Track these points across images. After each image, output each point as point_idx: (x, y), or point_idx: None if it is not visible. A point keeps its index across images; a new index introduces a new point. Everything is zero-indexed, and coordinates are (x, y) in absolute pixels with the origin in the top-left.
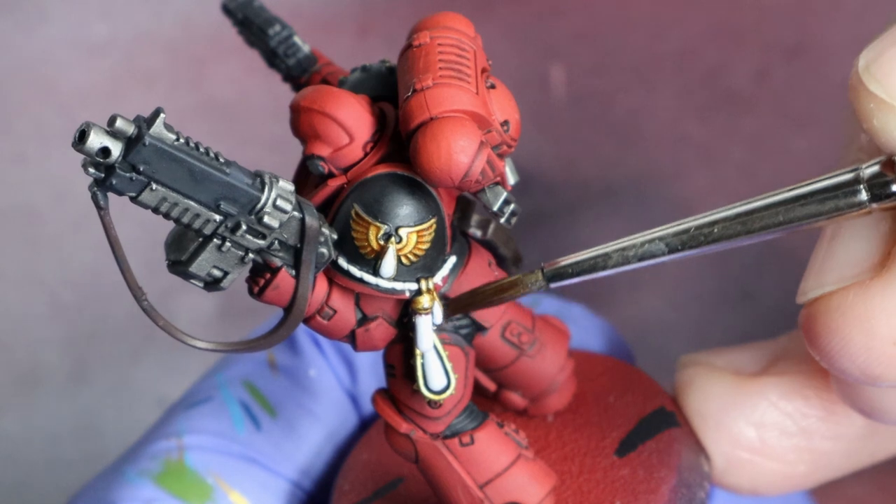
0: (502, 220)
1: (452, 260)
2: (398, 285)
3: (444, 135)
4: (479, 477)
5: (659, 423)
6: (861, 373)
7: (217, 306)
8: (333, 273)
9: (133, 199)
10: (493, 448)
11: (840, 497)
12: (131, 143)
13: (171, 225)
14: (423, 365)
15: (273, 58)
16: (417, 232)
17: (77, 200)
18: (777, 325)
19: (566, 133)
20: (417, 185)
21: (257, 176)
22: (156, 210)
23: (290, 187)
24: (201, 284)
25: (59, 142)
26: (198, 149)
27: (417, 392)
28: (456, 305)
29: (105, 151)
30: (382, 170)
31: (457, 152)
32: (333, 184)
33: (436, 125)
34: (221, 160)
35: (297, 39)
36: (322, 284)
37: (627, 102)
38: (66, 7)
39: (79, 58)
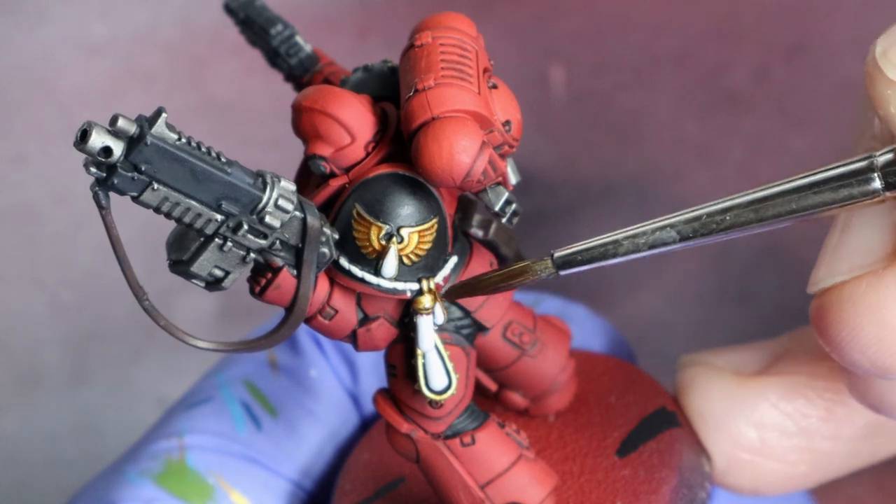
0: (504, 220)
1: (454, 260)
2: (399, 285)
3: (445, 135)
4: (480, 477)
5: (660, 424)
6: (872, 364)
7: (217, 306)
8: (335, 273)
9: (135, 199)
10: (494, 448)
11: (840, 497)
12: (133, 142)
13: (172, 225)
14: (424, 365)
15: (275, 57)
16: (419, 232)
17: (77, 200)
18: (777, 325)
19: (566, 133)
20: (419, 185)
21: (259, 176)
22: (157, 210)
23: (292, 187)
24: (203, 284)
25: (59, 142)
26: (199, 148)
27: (419, 392)
28: (461, 290)
29: (107, 151)
30: (384, 170)
31: (458, 152)
32: (335, 184)
33: (437, 125)
34: (223, 160)
35: (298, 39)
36: (323, 284)
37: (627, 102)
38: (66, 7)
39: (79, 58)
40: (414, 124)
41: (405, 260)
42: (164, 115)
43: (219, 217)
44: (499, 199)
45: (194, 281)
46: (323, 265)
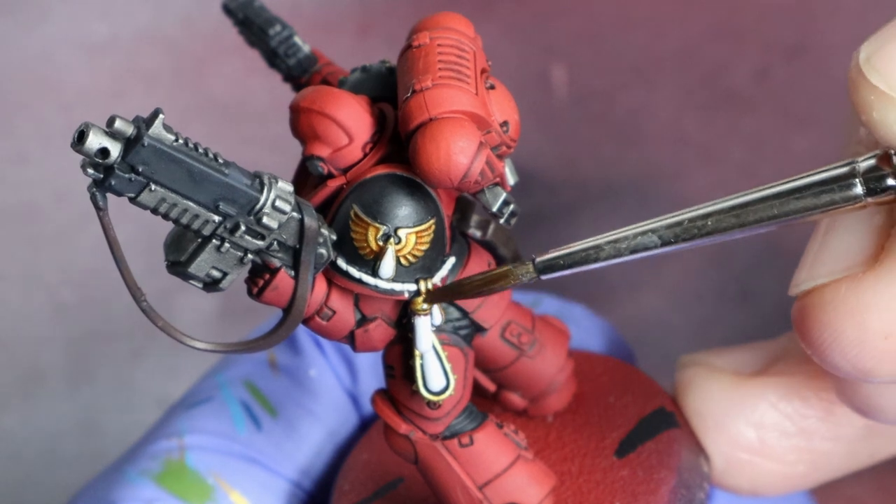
0: (502, 221)
1: (452, 261)
2: (397, 286)
3: (443, 136)
4: (479, 478)
5: (659, 424)
6: (852, 367)
7: (216, 307)
8: (332, 274)
9: (132, 200)
10: (492, 449)
11: (840, 497)
12: (130, 143)
13: (170, 225)
14: (422, 366)
15: (273, 58)
16: (416, 233)
17: (77, 200)
18: (777, 325)
19: (566, 133)
20: (416, 186)
21: (256, 177)
22: (155, 211)
23: (289, 188)
24: (200, 285)
25: (59, 142)
26: (197, 149)
27: (417, 393)
28: (442, 294)
29: (104, 152)
30: (382, 170)
31: (456, 153)
32: (333, 184)
33: (435, 126)
34: (220, 161)
35: (297, 39)
36: (321, 285)
37: (628, 102)
38: (66, 7)
39: (79, 57)
40: (411, 125)
41: (403, 261)
42: (161, 116)
43: (216, 218)
44: (496, 199)
45: (192, 282)
46: (321, 266)
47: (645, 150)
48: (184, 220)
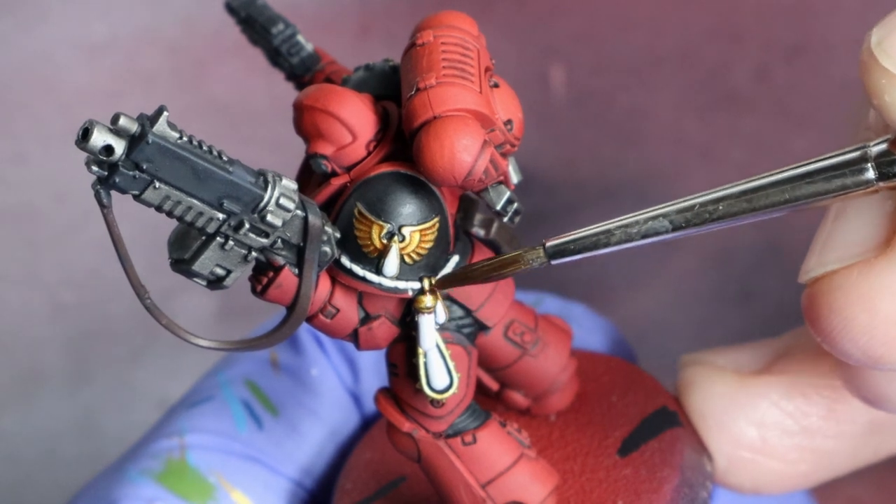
0: (506, 220)
1: (455, 259)
2: (401, 284)
3: (447, 133)
4: (482, 476)
5: (661, 423)
6: (863, 354)
7: (218, 306)
8: (336, 272)
9: (136, 198)
10: (495, 447)
11: (840, 496)
12: (134, 141)
13: (172, 224)
14: (425, 364)
15: (276, 56)
16: (420, 231)
17: (77, 200)
18: (778, 324)
19: (566, 133)
20: (420, 184)
21: (260, 174)
22: (159, 208)
23: (293, 186)
24: (204, 283)
25: (59, 142)
26: (201, 147)
27: (420, 391)
28: (451, 279)
29: (108, 149)
30: (385, 168)
31: (460, 151)
32: (336, 182)
33: (439, 124)
34: (224, 158)
35: (300, 38)
36: (325, 283)
37: (627, 102)
38: (66, 7)
39: (79, 58)
40: (415, 123)
41: (406, 259)
42: (165, 113)
43: (220, 216)
44: (500, 198)
45: (196, 280)
46: (324, 264)
47: (644, 151)
48: (188, 218)
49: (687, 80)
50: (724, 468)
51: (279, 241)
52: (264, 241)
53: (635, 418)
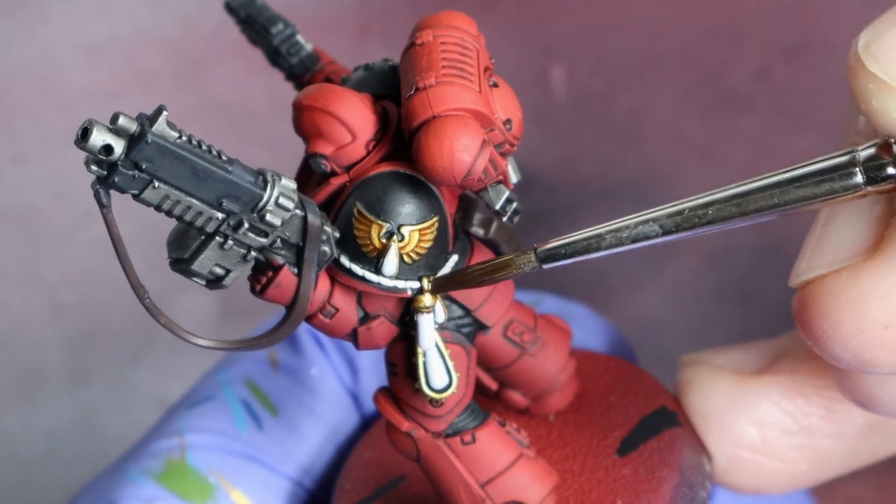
0: (505, 219)
1: (454, 258)
2: (400, 284)
3: (446, 133)
4: (481, 476)
5: (660, 423)
6: (853, 357)
7: (216, 305)
8: (335, 271)
9: (135, 197)
10: (494, 447)
11: (840, 496)
12: (134, 140)
13: (171, 224)
14: (424, 363)
15: (276, 56)
16: (420, 230)
17: (77, 200)
18: (777, 325)
19: (565, 133)
20: (420, 184)
21: (259, 174)
22: (158, 208)
23: (293, 185)
24: (203, 282)
25: (59, 142)
26: (200, 146)
27: (419, 391)
28: (443, 284)
29: (108, 149)
30: (385, 168)
31: (459, 151)
32: (336, 182)
33: (438, 123)
34: (224, 158)
35: (299, 38)
36: (324, 283)
37: (627, 102)
38: (66, 7)
39: (79, 58)
40: (415, 122)
41: (406, 258)
42: (164, 113)
43: (220, 215)
44: (500, 197)
45: (195, 279)
46: (324, 263)
47: (644, 151)
48: (187, 217)
49: (687, 80)
50: (725, 468)
51: (278, 240)
52: (263, 240)
53: (634, 418)
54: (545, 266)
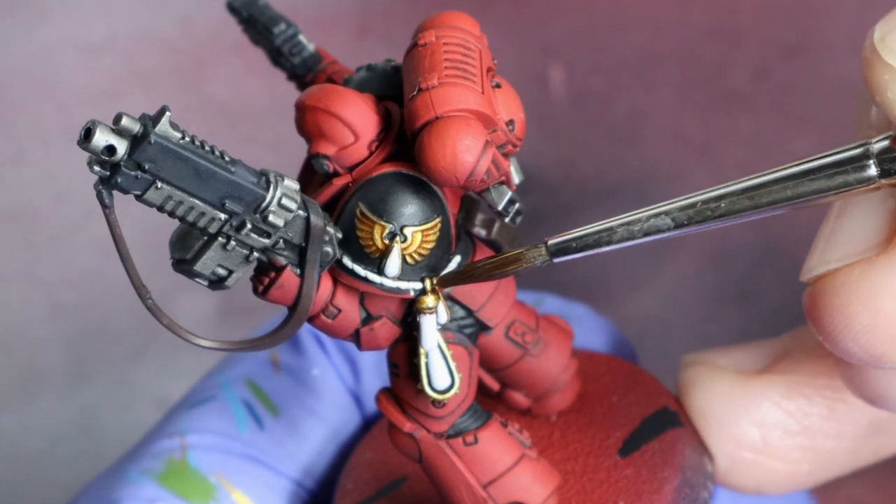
0: (507, 220)
1: (457, 259)
2: (403, 284)
3: (449, 134)
4: (483, 476)
5: (662, 423)
6: (864, 352)
7: (217, 306)
8: (338, 272)
9: (138, 198)
10: (496, 447)
11: (840, 497)
12: (137, 141)
13: (173, 225)
14: (426, 364)
15: (278, 56)
16: (422, 231)
17: (77, 200)
18: (778, 324)
19: (565, 133)
20: (422, 185)
21: (262, 175)
22: (161, 208)
23: (296, 186)
24: (206, 283)
25: (59, 142)
26: (203, 147)
27: (421, 391)
28: (455, 277)
29: (110, 149)
30: (387, 169)
31: (462, 151)
32: (338, 182)
33: (441, 124)
34: (227, 158)
35: (302, 38)
36: (326, 283)
37: (627, 102)
38: (66, 7)
39: (79, 58)
40: (417, 123)
41: (408, 259)
42: (167, 113)
43: (222, 216)
44: (502, 198)
45: (197, 280)
46: (326, 264)
47: (643, 150)
48: (190, 218)
49: (686, 79)
50: (726, 468)
51: (281, 241)
52: (266, 241)
53: (636, 418)
54: (556, 260)
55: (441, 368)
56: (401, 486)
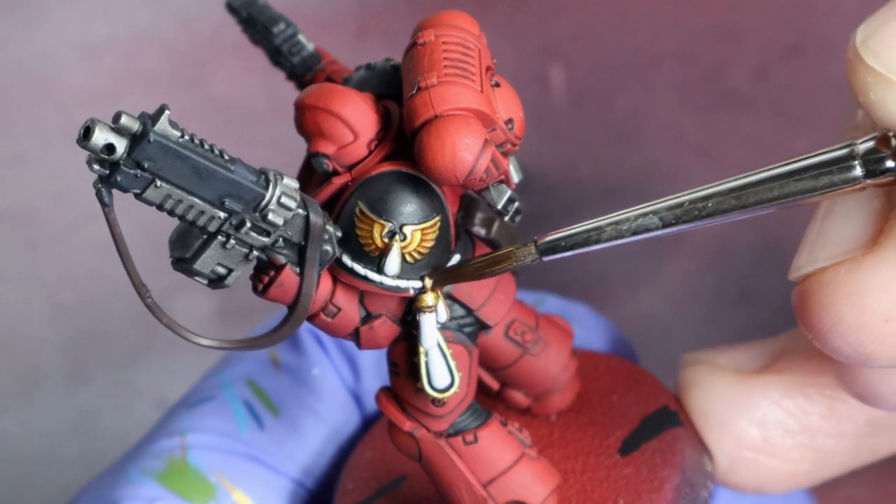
0: (506, 219)
1: (456, 258)
2: (402, 283)
3: (448, 133)
4: (483, 475)
5: (662, 423)
6: (853, 351)
7: (218, 305)
8: (337, 271)
9: (137, 196)
10: (496, 446)
11: (839, 496)
12: (136, 139)
13: (172, 224)
14: (426, 363)
15: (277, 56)
16: (422, 230)
17: (77, 200)
18: (777, 324)
19: (565, 133)
20: (422, 183)
21: (262, 173)
22: (160, 207)
23: (295, 185)
24: (205, 282)
25: (59, 142)
26: (202, 146)
27: (421, 390)
28: (446, 276)
29: (110, 148)
30: (387, 167)
31: (461, 150)
32: (338, 181)
33: (440, 123)
34: (226, 157)
35: (301, 37)
36: (326, 282)
37: (627, 102)
38: (66, 7)
39: (79, 58)
40: (417, 122)
41: (408, 258)
42: (167, 112)
43: (222, 214)
44: (501, 197)
45: (197, 278)
46: (326, 263)
47: (643, 150)
48: (189, 217)
49: (686, 79)
50: (726, 468)
51: (280, 239)
52: (266, 239)
53: (636, 418)
54: (545, 258)
55: (441, 367)
56: (401, 486)
